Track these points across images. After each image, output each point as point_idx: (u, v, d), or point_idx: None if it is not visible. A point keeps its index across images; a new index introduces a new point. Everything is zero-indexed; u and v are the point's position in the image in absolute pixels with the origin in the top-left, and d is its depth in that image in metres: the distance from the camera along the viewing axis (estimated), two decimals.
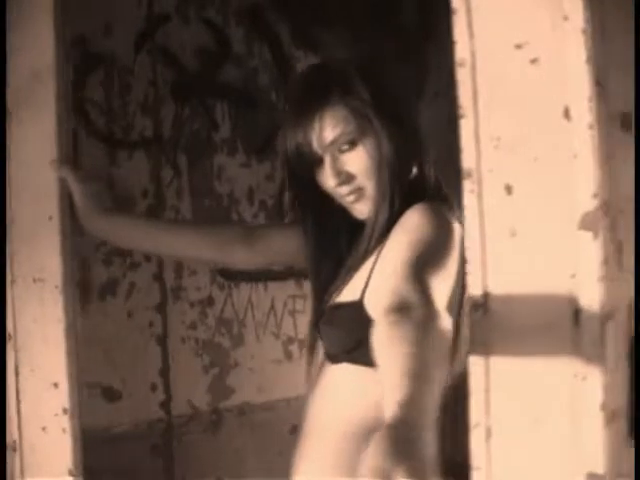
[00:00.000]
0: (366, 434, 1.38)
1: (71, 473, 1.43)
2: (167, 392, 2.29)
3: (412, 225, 1.34)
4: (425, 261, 1.24)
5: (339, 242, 1.56)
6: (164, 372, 2.29)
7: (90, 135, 2.18)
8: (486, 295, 1.08)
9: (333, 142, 1.42)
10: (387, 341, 1.04)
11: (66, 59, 1.47)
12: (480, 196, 1.10)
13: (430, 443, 0.91)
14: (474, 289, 1.09)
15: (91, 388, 2.20)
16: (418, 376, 0.96)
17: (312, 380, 1.49)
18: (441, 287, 1.19)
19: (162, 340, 2.29)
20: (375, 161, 1.43)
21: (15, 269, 1.45)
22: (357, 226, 1.50)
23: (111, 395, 2.22)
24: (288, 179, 1.53)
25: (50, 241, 1.43)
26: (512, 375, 1.10)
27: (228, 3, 2.40)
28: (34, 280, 1.44)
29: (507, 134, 1.08)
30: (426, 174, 1.48)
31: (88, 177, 1.53)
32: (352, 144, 1.43)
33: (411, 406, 0.91)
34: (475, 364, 1.12)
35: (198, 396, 2.34)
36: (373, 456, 0.83)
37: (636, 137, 1.10)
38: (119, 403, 2.22)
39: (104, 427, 2.15)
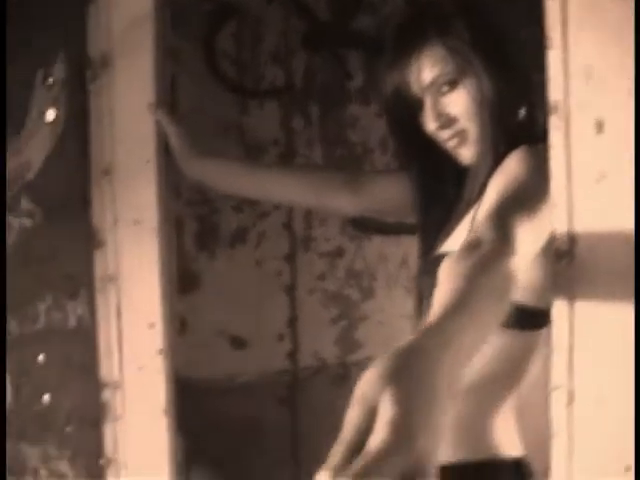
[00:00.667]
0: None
1: (166, 413, 1.46)
2: (294, 343, 2.31)
3: (509, 168, 1.27)
4: (514, 202, 1.16)
5: (446, 189, 1.50)
6: (291, 322, 2.30)
7: (221, 84, 2.21)
8: (572, 240, 1.00)
9: (432, 83, 1.37)
10: (444, 277, 0.97)
11: (164, 5, 1.48)
12: (567, 134, 1.02)
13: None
14: (559, 234, 1.01)
15: (218, 336, 2.25)
16: (456, 309, 0.87)
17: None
18: (528, 232, 1.11)
19: (290, 290, 2.30)
20: (477, 102, 1.36)
21: (118, 212, 1.49)
22: (465, 172, 1.43)
23: (238, 343, 2.26)
24: (390, 125, 1.48)
25: (148, 184, 1.45)
26: (598, 329, 1.02)
27: None
28: (134, 222, 1.47)
29: (598, 64, 0.99)
30: (535, 117, 1.38)
31: (184, 120, 1.54)
32: (452, 85, 1.36)
33: (433, 333, 0.82)
34: (558, 317, 1.04)
35: (325, 348, 2.34)
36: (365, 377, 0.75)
37: None
38: (245, 352, 2.26)
39: (229, 375, 2.20)
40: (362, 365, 0.71)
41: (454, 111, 1.38)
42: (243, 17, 2.22)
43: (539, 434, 1.51)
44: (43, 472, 1.56)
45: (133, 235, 1.47)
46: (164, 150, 1.49)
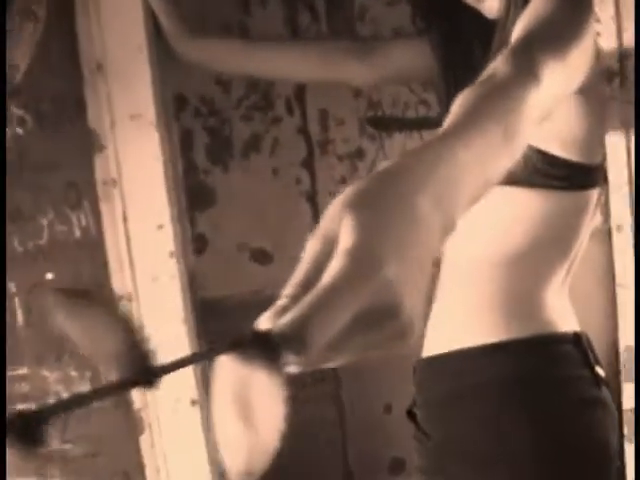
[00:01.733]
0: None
1: (185, 322, 1.36)
2: None
3: (536, 4, 1.12)
4: (541, 36, 1.01)
5: (471, 50, 1.36)
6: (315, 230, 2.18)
7: None
8: (623, 57, 0.87)
9: None
10: (451, 110, 0.84)
11: None
12: None
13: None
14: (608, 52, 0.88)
15: (240, 251, 2.15)
16: (454, 133, 0.70)
17: None
18: (557, 68, 0.97)
19: (311, 197, 2.18)
20: None
21: (113, 111, 1.37)
22: (492, 28, 1.29)
23: (262, 257, 2.15)
24: None
25: (142, 74, 1.33)
26: None
27: None
28: (131, 118, 1.35)
29: None
30: None
31: None
32: None
33: (421, 153, 0.66)
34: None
35: None
36: None
37: None
38: (270, 265, 2.15)
39: (254, 291, 2.09)
40: None
41: None
42: None
43: (589, 313, 1.40)
44: (66, 396, 1.47)
45: (132, 133, 1.35)
46: (156, 34, 1.36)
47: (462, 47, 1.36)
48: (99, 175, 1.40)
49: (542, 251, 1.23)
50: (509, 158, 0.81)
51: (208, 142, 2.10)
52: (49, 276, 1.42)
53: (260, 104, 2.08)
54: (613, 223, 0.94)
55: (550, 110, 0.98)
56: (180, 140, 2.07)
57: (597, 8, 0.87)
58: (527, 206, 1.22)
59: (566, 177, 1.18)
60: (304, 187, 2.17)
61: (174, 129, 1.37)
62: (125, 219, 1.38)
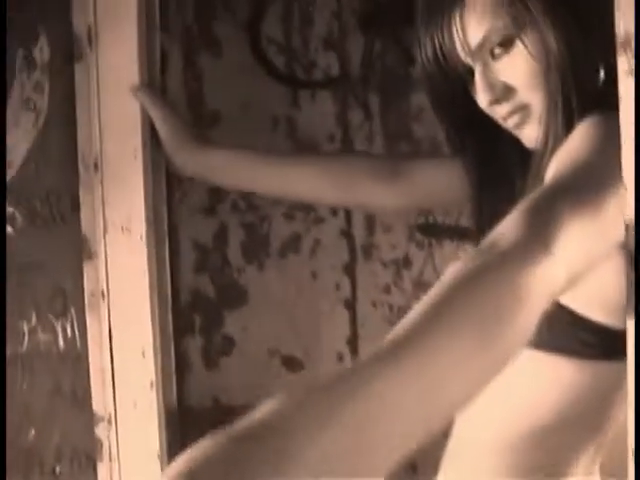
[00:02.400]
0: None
1: (158, 455, 1.22)
2: None
3: (570, 144, 0.97)
4: (566, 189, 0.86)
5: (510, 177, 1.22)
6: (352, 340, 2.03)
7: (269, 75, 1.97)
8: None
9: (481, 44, 1.08)
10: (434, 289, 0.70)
11: None
12: None
13: None
14: (629, 230, 0.72)
15: (270, 356, 2.01)
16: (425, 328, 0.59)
17: None
18: (580, 228, 0.81)
19: (350, 304, 2.03)
20: (541, 64, 1.06)
21: (107, 216, 1.26)
22: (530, 156, 1.14)
23: (293, 364, 2.01)
24: (435, 102, 1.21)
25: (135, 183, 1.21)
26: None
27: None
28: (122, 229, 1.23)
29: None
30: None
31: (172, 103, 1.28)
32: (507, 44, 1.07)
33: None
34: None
35: None
36: None
37: None
38: (301, 373, 2.00)
39: None
40: None
41: (511, 79, 1.09)
42: None
43: None
44: None
45: (122, 245, 1.24)
46: (154, 141, 1.25)
47: (498, 174, 1.21)
48: (88, 285, 1.28)
49: (570, 426, 1.05)
50: (497, 366, 0.66)
51: (244, 239, 1.99)
52: (25, 386, 1.30)
53: (302, 204, 1.96)
54: None
55: (580, 276, 0.83)
56: (213, 236, 1.97)
57: None
58: (554, 375, 1.04)
59: (599, 343, 1.01)
60: (343, 293, 2.03)
61: (166, 245, 1.24)
62: (111, 337, 1.25)
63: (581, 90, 1.05)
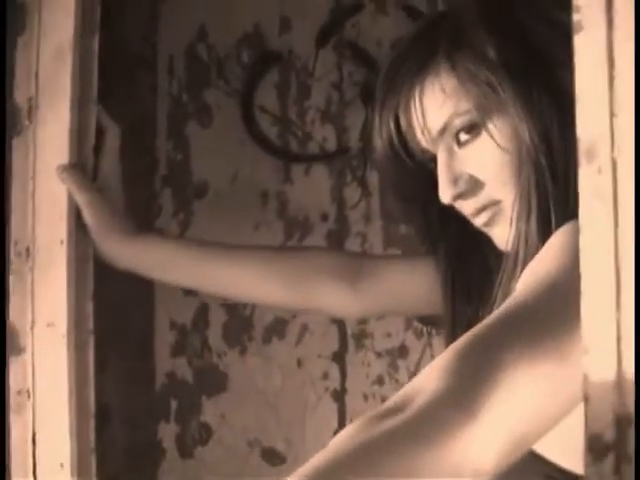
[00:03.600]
0: None
1: None
2: None
3: (539, 260, 0.82)
4: (517, 325, 0.71)
5: (482, 280, 1.07)
6: None
7: (260, 147, 1.85)
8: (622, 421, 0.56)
9: (443, 130, 0.94)
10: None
11: (94, 30, 1.10)
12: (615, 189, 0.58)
13: None
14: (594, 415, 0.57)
15: (250, 447, 1.86)
16: None
17: None
18: (519, 384, 0.66)
19: (339, 396, 1.88)
20: (512, 157, 0.91)
21: (36, 309, 1.13)
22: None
23: (273, 457, 1.85)
24: (394, 193, 1.07)
25: (59, 275, 1.08)
26: None
27: None
28: (47, 325, 1.11)
29: None
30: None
31: (104, 186, 1.14)
32: (474, 131, 0.93)
33: None
34: None
35: None
36: None
37: None
38: (282, 467, 1.84)
39: None
40: None
41: (478, 172, 0.95)
42: (287, 66, 1.86)
43: None
44: None
45: (47, 342, 1.11)
46: (80, 229, 1.12)
47: (469, 275, 1.07)
48: (13, 382, 1.16)
49: None
50: None
51: (226, 320, 1.85)
52: None
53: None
54: None
55: (532, 439, 0.68)
56: (193, 316, 1.84)
57: None
58: None
59: None
60: (332, 384, 1.87)
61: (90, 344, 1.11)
62: (34, 442, 1.12)
63: (560, 190, 0.90)
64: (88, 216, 1.11)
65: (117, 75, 1.62)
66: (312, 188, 1.87)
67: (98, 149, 1.12)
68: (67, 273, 1.06)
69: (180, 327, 1.84)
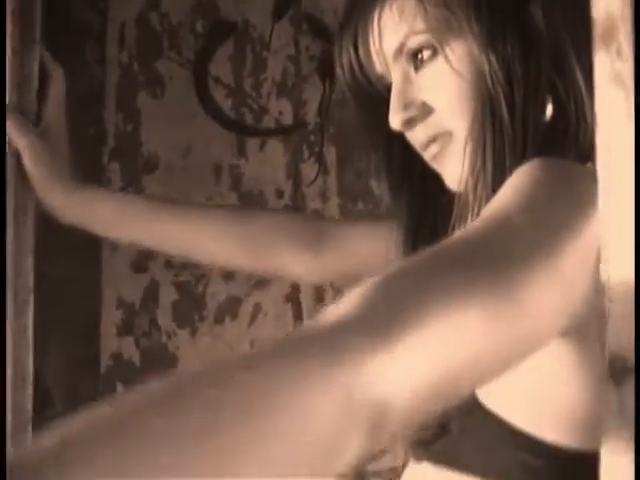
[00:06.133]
0: None
1: None
2: None
3: (503, 193, 0.75)
4: (472, 250, 0.64)
5: (437, 227, 1.00)
6: None
7: (214, 119, 1.78)
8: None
9: (398, 51, 0.88)
10: None
11: None
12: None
13: None
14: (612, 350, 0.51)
15: None
16: None
17: None
18: (455, 319, 0.59)
19: None
20: (468, 84, 0.85)
21: None
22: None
23: None
24: (361, 124, 1.00)
25: None
26: None
27: None
28: None
29: None
30: (570, 116, 0.85)
31: (47, 132, 1.06)
32: (429, 53, 0.86)
33: None
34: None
35: None
36: None
37: None
38: None
39: None
40: None
41: (431, 98, 0.88)
42: (242, 37, 1.79)
43: None
44: None
45: None
46: (20, 177, 1.03)
47: (427, 222, 1.00)
48: None
49: None
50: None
51: (176, 299, 1.78)
52: None
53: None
54: None
55: (467, 385, 0.62)
56: (143, 293, 1.76)
57: None
58: None
59: (546, 469, 0.78)
60: None
61: None
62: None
63: (516, 128, 0.84)
64: (28, 161, 1.02)
65: (63, 44, 1.55)
66: (267, 163, 1.81)
67: (42, 94, 1.04)
68: (7, 225, 0.97)
69: (128, 305, 1.76)
